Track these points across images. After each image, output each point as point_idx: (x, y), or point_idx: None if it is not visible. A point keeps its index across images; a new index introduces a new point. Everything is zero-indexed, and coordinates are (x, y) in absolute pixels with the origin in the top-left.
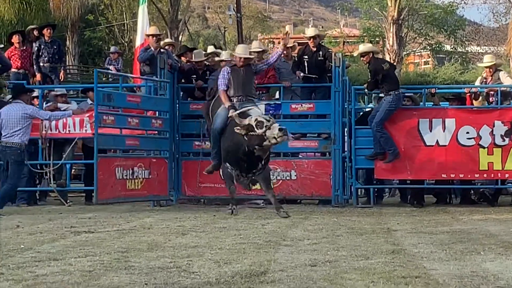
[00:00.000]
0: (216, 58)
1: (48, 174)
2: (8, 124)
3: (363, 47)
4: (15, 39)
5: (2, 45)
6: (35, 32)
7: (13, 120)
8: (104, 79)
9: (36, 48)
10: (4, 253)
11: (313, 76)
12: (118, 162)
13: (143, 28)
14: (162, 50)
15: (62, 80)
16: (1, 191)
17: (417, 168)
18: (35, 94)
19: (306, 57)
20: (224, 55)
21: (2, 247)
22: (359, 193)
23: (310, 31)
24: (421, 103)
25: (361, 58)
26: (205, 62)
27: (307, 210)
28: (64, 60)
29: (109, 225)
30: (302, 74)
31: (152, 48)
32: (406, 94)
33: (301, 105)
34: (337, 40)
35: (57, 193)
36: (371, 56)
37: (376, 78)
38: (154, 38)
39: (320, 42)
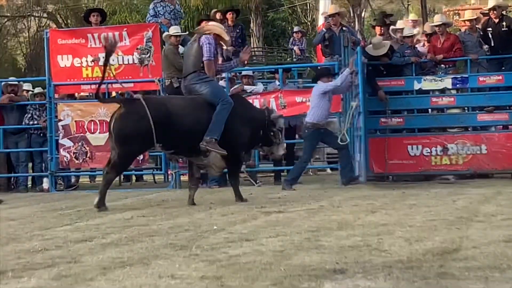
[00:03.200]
0: (398, 35)
1: None
2: None
3: None
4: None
5: (187, 32)
6: (218, 15)
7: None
8: (288, 59)
9: None
10: (198, 234)
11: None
12: None
13: (325, 7)
14: (344, 28)
15: (246, 63)
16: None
17: None
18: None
19: (489, 29)
20: (406, 31)
21: (196, 229)
22: None
23: (489, 3)
24: None
25: None
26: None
27: (499, 184)
28: (246, 44)
29: (298, 205)
30: (487, 46)
31: (323, 29)
32: None
33: (489, 78)
34: None
35: (247, 173)
36: None
37: None
38: (335, 16)
39: (504, 12)
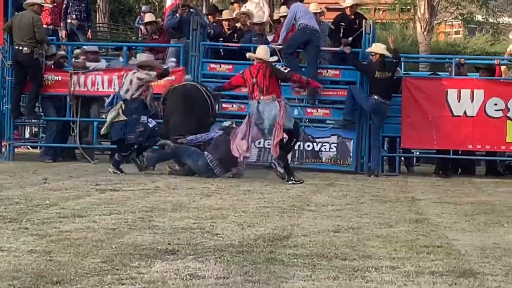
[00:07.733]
0: (248, 21)
1: (75, 131)
2: None
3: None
4: None
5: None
6: None
7: None
8: (134, 37)
9: (64, 5)
10: (29, 208)
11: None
12: None
13: None
14: (191, 9)
15: (90, 38)
16: None
17: (444, 138)
18: (62, 53)
19: (343, 24)
20: (256, 18)
21: (27, 202)
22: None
23: (348, 0)
24: (450, 73)
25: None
26: (235, 24)
27: (332, 176)
28: (91, 19)
29: (134, 184)
30: (349, 40)
31: (177, 15)
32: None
33: (327, 71)
34: (368, 7)
35: (82, 150)
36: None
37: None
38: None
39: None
